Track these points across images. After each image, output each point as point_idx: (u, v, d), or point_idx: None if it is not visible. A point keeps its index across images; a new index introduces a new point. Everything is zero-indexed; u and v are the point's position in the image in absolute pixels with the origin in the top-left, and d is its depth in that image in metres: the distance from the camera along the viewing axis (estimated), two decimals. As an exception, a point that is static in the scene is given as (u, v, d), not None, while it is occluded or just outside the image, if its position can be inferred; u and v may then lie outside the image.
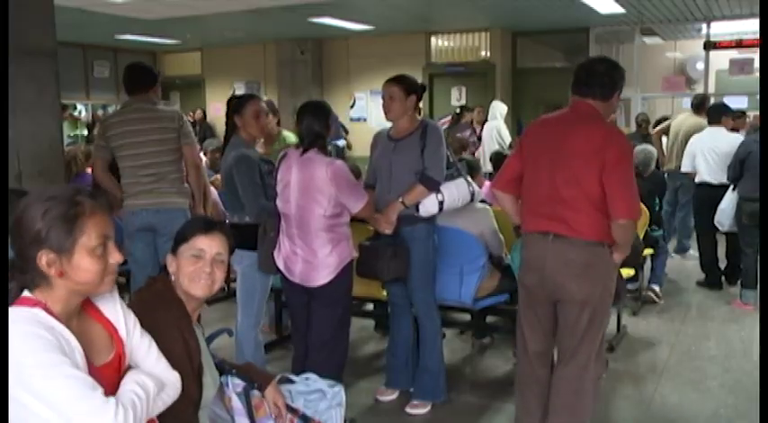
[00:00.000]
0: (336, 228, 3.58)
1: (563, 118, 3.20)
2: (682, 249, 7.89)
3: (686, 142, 7.48)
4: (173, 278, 2.28)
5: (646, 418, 4.00)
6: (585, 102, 3.11)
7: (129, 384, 1.72)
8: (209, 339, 2.44)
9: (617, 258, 3.14)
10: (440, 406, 4.03)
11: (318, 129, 3.58)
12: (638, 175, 5.91)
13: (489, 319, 5.05)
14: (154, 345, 1.89)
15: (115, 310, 1.83)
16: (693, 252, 7.44)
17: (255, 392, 2.42)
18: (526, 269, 3.25)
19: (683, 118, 8.20)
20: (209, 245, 2.28)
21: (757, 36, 9.70)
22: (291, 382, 2.62)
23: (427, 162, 3.79)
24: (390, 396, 4.16)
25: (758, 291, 6.06)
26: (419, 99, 4.02)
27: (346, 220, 3.65)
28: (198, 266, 2.25)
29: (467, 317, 4.97)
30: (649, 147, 6.55)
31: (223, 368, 2.42)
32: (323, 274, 3.54)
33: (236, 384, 2.41)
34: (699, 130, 7.80)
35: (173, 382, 1.88)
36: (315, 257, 3.55)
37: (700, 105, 8.08)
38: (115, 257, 1.70)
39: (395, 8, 9.07)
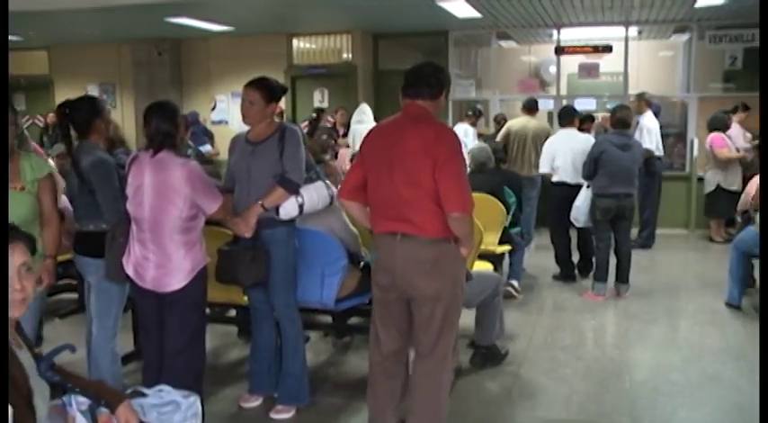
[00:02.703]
0: (191, 231, 3.49)
1: (396, 121, 3.32)
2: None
3: (537, 145, 7.85)
4: None
5: (505, 409, 4.13)
6: (416, 103, 3.26)
7: None
8: (49, 357, 2.27)
9: (464, 252, 3.26)
10: (304, 409, 4.02)
11: (167, 128, 3.48)
12: (481, 171, 6.19)
13: (353, 320, 5.05)
14: None
15: None
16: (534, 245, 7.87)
17: (103, 410, 2.28)
18: (378, 269, 3.34)
19: (524, 121, 8.50)
20: (11, 259, 2.04)
21: (603, 43, 10.29)
22: (143, 395, 2.50)
23: (287, 165, 3.77)
24: (254, 402, 4.11)
25: (607, 282, 6.43)
26: (278, 102, 3.97)
27: (201, 223, 3.58)
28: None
29: (330, 319, 4.96)
30: (484, 144, 6.82)
31: (65, 386, 2.26)
32: (177, 279, 3.44)
33: (80, 402, 2.26)
34: (545, 132, 8.21)
35: None
36: (169, 261, 3.44)
37: (532, 107, 8.48)
38: None
39: (254, 9, 8.93)
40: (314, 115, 10.08)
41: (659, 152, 8.76)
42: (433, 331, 3.25)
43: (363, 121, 9.24)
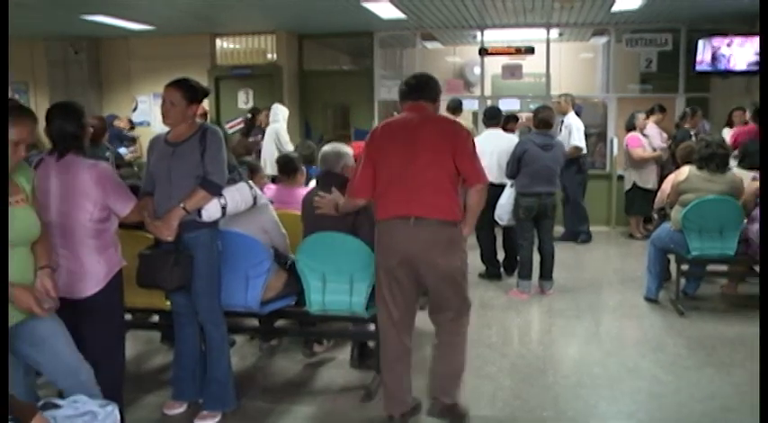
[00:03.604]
0: (103, 234, 3.39)
1: (408, 118, 3.74)
2: None
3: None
4: None
5: (432, 408, 4.14)
6: (420, 104, 3.78)
7: None
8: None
9: (466, 232, 3.72)
10: (230, 414, 3.95)
11: (72, 130, 3.38)
12: None
13: (280, 322, 5.00)
14: None
15: None
16: None
17: (14, 425, 2.19)
18: (386, 251, 3.66)
19: None
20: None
21: (525, 44, 10.48)
22: (57, 406, 2.40)
23: (208, 166, 3.70)
24: (178, 409, 4.02)
25: (532, 280, 6.55)
26: (199, 103, 3.90)
27: (114, 226, 3.48)
28: None
29: (256, 322, 4.90)
30: None
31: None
32: (91, 284, 3.33)
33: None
34: (472, 132, 8.27)
35: None
36: (81, 267, 3.32)
37: (456, 108, 8.59)
38: None
39: (175, 8, 8.72)
40: (249, 116, 9.92)
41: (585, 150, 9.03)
42: (456, 300, 3.76)
43: (278, 120, 9.17)
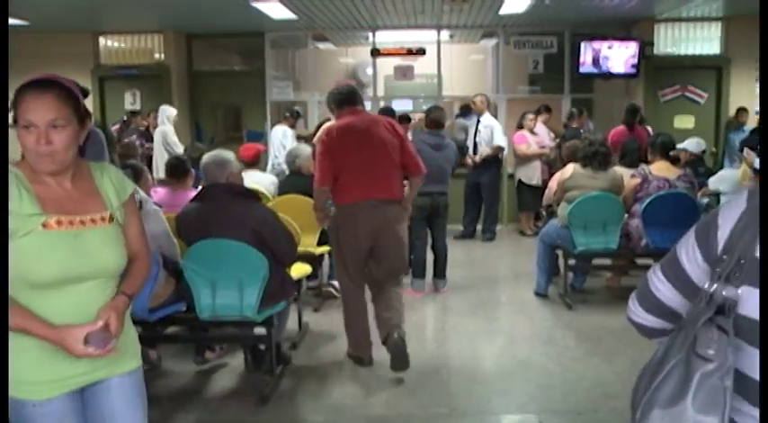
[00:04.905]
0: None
1: (360, 119, 4.60)
2: None
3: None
4: None
5: (328, 409, 4.11)
6: (358, 108, 4.67)
7: None
8: None
9: (407, 206, 4.74)
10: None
11: None
12: (298, 173, 6.24)
13: (169, 329, 4.84)
14: None
15: None
16: None
17: None
18: (350, 229, 4.51)
19: None
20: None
21: (417, 46, 10.59)
22: None
23: None
24: None
25: (425, 279, 6.61)
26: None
27: None
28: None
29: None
30: (303, 145, 7.06)
31: None
32: None
33: None
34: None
35: None
36: None
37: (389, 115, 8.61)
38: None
39: (52, 3, 8.30)
40: (125, 118, 9.60)
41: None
42: (402, 261, 4.79)
43: (165, 122, 8.92)
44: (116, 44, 10.82)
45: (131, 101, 10.72)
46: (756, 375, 1.18)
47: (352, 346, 4.77)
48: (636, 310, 1.50)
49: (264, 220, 4.10)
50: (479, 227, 9.34)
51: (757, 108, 9.84)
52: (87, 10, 8.83)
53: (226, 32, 10.80)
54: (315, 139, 8.50)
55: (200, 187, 5.09)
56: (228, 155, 4.39)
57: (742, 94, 10.08)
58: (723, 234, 1.25)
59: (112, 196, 2.16)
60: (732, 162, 9.14)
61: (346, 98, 4.65)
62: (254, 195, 4.38)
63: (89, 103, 3.73)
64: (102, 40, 10.72)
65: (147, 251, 2.29)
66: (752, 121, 9.70)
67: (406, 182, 4.77)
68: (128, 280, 2.18)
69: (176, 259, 4.25)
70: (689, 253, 1.33)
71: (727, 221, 1.26)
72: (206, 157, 4.39)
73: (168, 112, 8.98)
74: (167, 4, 8.53)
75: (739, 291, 1.19)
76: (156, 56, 10.70)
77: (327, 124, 5.39)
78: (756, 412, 1.19)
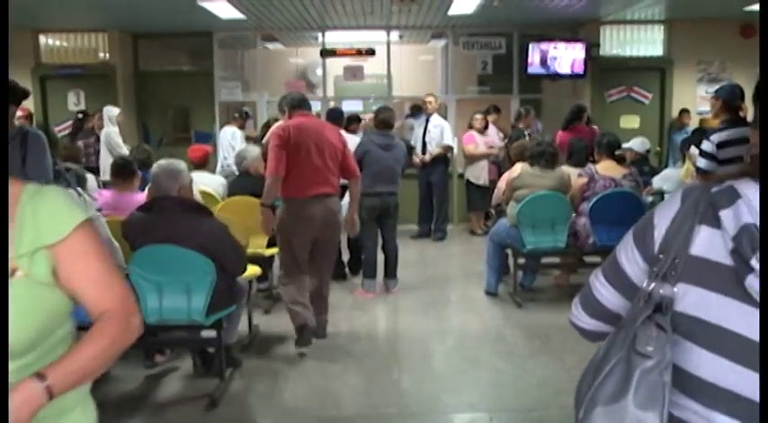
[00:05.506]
0: None
1: (312, 122, 5.16)
2: None
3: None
4: None
5: (278, 411, 4.09)
6: (309, 113, 5.21)
7: None
8: None
9: (353, 207, 5.41)
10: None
11: None
12: (247, 174, 6.20)
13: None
14: None
15: None
16: None
17: None
18: (302, 221, 4.92)
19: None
20: None
21: (367, 46, 10.59)
22: None
23: (30, 173, 3.43)
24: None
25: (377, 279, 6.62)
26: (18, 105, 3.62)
27: None
28: None
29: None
30: (252, 146, 7.04)
31: None
32: None
33: None
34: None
35: None
36: None
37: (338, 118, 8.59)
38: None
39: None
40: (79, 116, 9.33)
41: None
42: (335, 249, 5.46)
43: (108, 124, 8.74)
44: (58, 43, 10.54)
45: (75, 101, 10.45)
46: (693, 370, 1.21)
47: (300, 319, 4.99)
48: (579, 316, 1.51)
49: (212, 234, 4.02)
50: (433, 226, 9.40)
51: (700, 108, 10.11)
52: (26, 6, 8.57)
53: (173, 32, 10.63)
54: (264, 139, 8.46)
55: (146, 190, 5.01)
56: (181, 165, 4.24)
57: (683, 94, 10.34)
58: (659, 233, 1.28)
59: (27, 238, 1.46)
60: (675, 162, 9.35)
61: (299, 103, 5.14)
62: (204, 209, 4.26)
63: (29, 104, 3.65)
64: (42, 38, 10.43)
65: (122, 305, 1.58)
66: (694, 123, 9.94)
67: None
68: (66, 353, 1.49)
69: (120, 264, 4.17)
70: (628, 254, 1.35)
71: (662, 221, 1.28)
72: (157, 167, 4.22)
73: (111, 113, 8.76)
74: (112, 2, 8.35)
75: (675, 289, 1.21)
76: (101, 55, 10.47)
77: (280, 122, 5.37)
78: (694, 405, 1.22)
